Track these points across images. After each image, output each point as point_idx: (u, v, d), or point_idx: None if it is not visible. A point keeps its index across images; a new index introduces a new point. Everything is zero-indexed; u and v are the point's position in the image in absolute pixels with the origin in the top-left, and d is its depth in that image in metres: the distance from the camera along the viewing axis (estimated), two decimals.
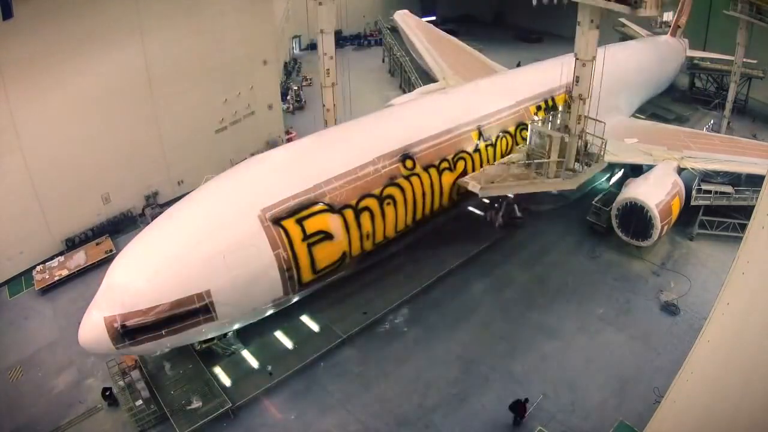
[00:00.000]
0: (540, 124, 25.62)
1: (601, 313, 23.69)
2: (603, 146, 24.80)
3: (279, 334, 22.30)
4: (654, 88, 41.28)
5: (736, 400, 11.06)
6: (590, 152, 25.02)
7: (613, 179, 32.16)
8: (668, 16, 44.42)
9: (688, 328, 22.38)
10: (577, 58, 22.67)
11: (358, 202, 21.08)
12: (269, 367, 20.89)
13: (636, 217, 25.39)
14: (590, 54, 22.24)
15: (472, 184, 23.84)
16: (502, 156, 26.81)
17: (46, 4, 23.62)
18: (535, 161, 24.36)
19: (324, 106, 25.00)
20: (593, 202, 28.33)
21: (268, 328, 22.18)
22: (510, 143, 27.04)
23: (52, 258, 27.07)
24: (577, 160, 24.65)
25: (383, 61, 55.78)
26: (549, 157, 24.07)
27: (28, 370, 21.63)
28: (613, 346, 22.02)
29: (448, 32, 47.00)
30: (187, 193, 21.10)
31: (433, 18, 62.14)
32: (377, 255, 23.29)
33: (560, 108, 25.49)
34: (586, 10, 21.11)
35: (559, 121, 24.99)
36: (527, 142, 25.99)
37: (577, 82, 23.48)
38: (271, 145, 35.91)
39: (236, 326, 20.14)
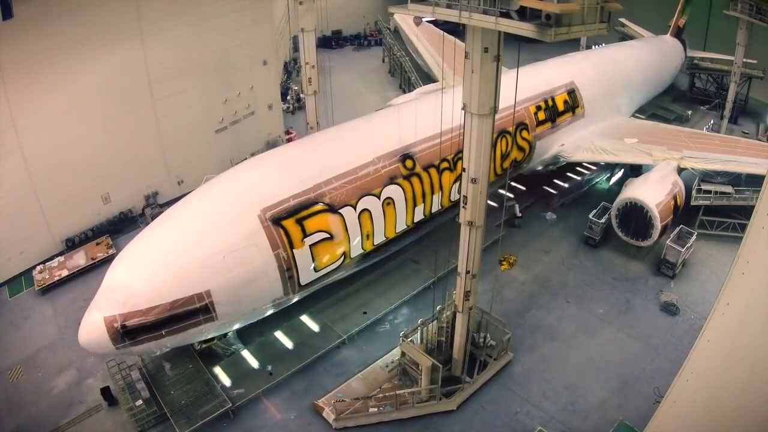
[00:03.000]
0: (419, 329, 20.14)
1: (602, 313, 23.69)
2: (504, 342, 20.43)
3: (279, 334, 22.28)
4: (654, 88, 41.27)
5: (736, 400, 11.05)
6: (487, 345, 20.35)
7: (613, 179, 32.18)
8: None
9: (688, 328, 22.40)
10: (465, 112, 15.66)
11: (358, 202, 21.06)
12: (269, 367, 20.87)
13: (636, 217, 25.38)
14: (487, 104, 14.91)
15: (326, 412, 19.03)
16: (502, 156, 26.75)
17: (46, 5, 23.61)
18: (399, 392, 19.16)
19: (308, 124, 25.00)
20: (590, 216, 27.70)
21: (268, 328, 22.18)
22: (510, 143, 27.00)
23: (52, 258, 27.06)
24: (475, 346, 20.17)
25: (383, 61, 55.76)
26: (420, 383, 19.18)
27: (28, 370, 21.62)
28: (613, 346, 22.02)
29: (448, 32, 46.90)
30: (187, 193, 21.09)
31: (433, 18, 62.10)
32: (377, 255, 23.27)
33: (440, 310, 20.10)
34: (477, 35, 14.05)
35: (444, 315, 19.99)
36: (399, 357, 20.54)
37: (465, 203, 16.43)
38: (271, 145, 35.91)
39: (236, 326, 20.12)
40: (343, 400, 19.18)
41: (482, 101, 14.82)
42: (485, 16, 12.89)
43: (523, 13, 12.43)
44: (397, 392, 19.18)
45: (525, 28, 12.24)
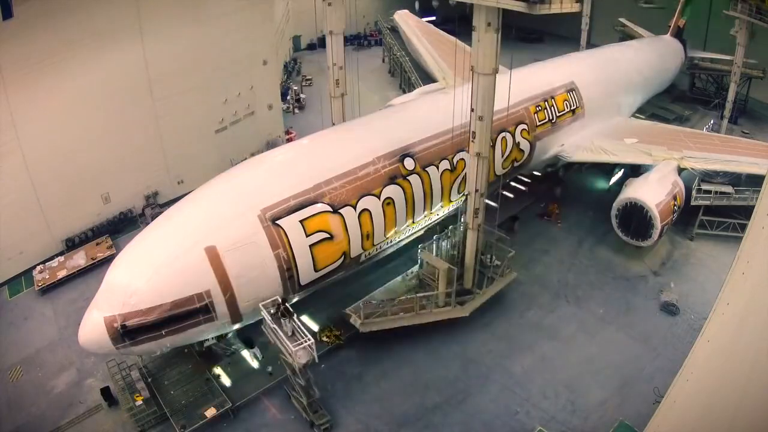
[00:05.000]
0: (435, 243, 22.96)
1: (602, 313, 23.70)
2: (508, 259, 22.93)
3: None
4: (654, 88, 41.27)
5: (736, 400, 11.04)
6: (493, 264, 22.89)
7: (613, 179, 32.18)
8: None
9: (688, 328, 22.40)
10: (473, 72, 18.85)
11: (357, 202, 21.06)
12: (269, 368, 20.87)
13: (636, 218, 25.39)
14: (491, 66, 18.46)
15: (353, 317, 21.40)
16: (502, 156, 26.76)
17: (46, 5, 23.61)
18: (418, 295, 21.71)
19: (333, 123, 24.75)
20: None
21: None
22: (510, 143, 26.99)
23: (52, 258, 27.08)
24: (485, 267, 22.72)
25: (383, 61, 55.76)
26: (437, 288, 21.79)
27: (28, 370, 21.64)
28: (613, 346, 22.02)
29: (448, 32, 46.89)
30: (187, 193, 21.09)
31: (433, 18, 62.09)
32: (377, 255, 23.26)
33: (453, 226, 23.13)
34: (482, 11, 17.66)
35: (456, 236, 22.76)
36: (418, 267, 23.80)
37: (474, 137, 19.68)
38: (271, 145, 35.90)
39: (236, 326, 20.12)
40: (370, 302, 21.73)
41: (486, 63, 18.38)
42: None
43: None
44: (417, 295, 21.49)
45: (519, 5, 16.17)
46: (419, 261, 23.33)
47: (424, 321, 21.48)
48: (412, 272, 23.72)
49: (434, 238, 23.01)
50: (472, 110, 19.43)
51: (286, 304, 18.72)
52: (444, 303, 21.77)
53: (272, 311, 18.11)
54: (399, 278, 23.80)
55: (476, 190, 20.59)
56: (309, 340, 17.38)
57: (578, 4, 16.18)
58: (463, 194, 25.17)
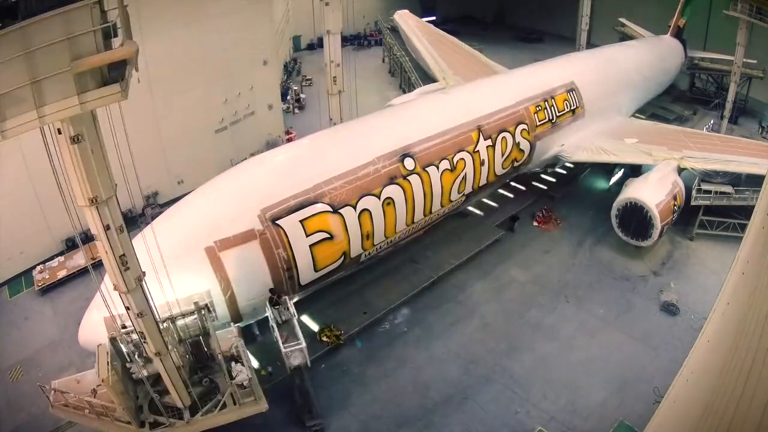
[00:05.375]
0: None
1: (601, 313, 23.70)
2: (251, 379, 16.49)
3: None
4: (654, 88, 41.29)
5: (736, 400, 11.04)
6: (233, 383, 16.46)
7: (614, 179, 32.20)
8: None
9: (688, 328, 22.39)
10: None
11: (357, 202, 21.07)
12: (269, 368, 20.84)
13: (636, 218, 25.39)
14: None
15: None
16: (502, 156, 26.75)
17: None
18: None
19: (331, 119, 24.87)
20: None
21: (268, 328, 22.15)
22: (510, 143, 27.01)
23: (52, 258, 27.07)
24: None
25: (383, 61, 55.78)
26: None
27: (28, 370, 21.63)
28: (613, 346, 22.02)
29: (448, 32, 46.95)
30: (187, 193, 21.09)
31: (433, 18, 62.17)
32: (377, 255, 23.28)
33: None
34: None
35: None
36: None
37: None
38: (271, 145, 35.91)
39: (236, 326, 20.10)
40: None
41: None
42: None
43: None
44: None
45: None
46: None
47: None
48: None
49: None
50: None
51: (280, 295, 18.64)
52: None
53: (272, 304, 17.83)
54: None
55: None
56: (301, 343, 17.27)
57: None
58: (463, 194, 25.27)
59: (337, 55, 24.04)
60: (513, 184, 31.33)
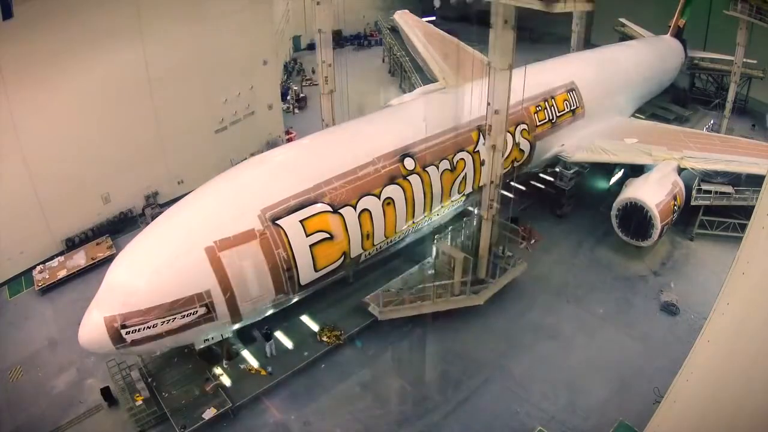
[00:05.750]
0: (449, 236, 24.15)
1: (602, 313, 23.70)
2: (519, 251, 24.03)
3: (279, 334, 22.27)
4: (654, 88, 41.27)
5: (736, 400, 11.04)
6: (505, 256, 23.94)
7: (614, 179, 32.18)
8: None
9: (688, 328, 22.39)
10: (490, 67, 19.58)
11: (357, 202, 21.06)
12: (269, 368, 20.87)
13: (636, 218, 25.39)
14: (507, 62, 19.31)
15: (372, 306, 22.19)
16: (502, 156, 26.68)
17: (46, 5, 23.59)
18: (435, 284, 22.09)
19: (323, 120, 25.16)
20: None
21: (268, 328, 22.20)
22: (510, 143, 26.99)
23: (52, 258, 27.08)
24: (498, 258, 23.54)
25: (383, 61, 55.75)
26: (453, 277, 22.32)
27: (28, 370, 21.63)
28: (613, 346, 22.03)
29: (448, 32, 46.91)
30: (187, 192, 21.09)
31: (433, 18, 62.14)
32: (378, 255, 23.27)
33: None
34: (500, 8, 18.53)
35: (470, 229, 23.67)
36: (433, 257, 24.25)
37: (490, 130, 20.64)
38: (271, 145, 35.90)
39: (236, 326, 20.12)
40: (388, 290, 22.53)
41: (503, 60, 19.25)
42: None
43: None
44: (435, 284, 21.90)
45: (536, 4, 16.18)
46: (434, 251, 23.86)
47: (441, 309, 22.15)
48: (428, 262, 24.27)
49: (449, 228, 24.08)
50: (488, 104, 20.44)
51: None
52: (459, 292, 22.36)
53: None
54: (416, 268, 24.29)
55: (492, 182, 21.48)
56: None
57: (590, 3, 16.58)
58: (463, 194, 25.25)
59: (329, 54, 24.29)
60: (513, 184, 31.22)
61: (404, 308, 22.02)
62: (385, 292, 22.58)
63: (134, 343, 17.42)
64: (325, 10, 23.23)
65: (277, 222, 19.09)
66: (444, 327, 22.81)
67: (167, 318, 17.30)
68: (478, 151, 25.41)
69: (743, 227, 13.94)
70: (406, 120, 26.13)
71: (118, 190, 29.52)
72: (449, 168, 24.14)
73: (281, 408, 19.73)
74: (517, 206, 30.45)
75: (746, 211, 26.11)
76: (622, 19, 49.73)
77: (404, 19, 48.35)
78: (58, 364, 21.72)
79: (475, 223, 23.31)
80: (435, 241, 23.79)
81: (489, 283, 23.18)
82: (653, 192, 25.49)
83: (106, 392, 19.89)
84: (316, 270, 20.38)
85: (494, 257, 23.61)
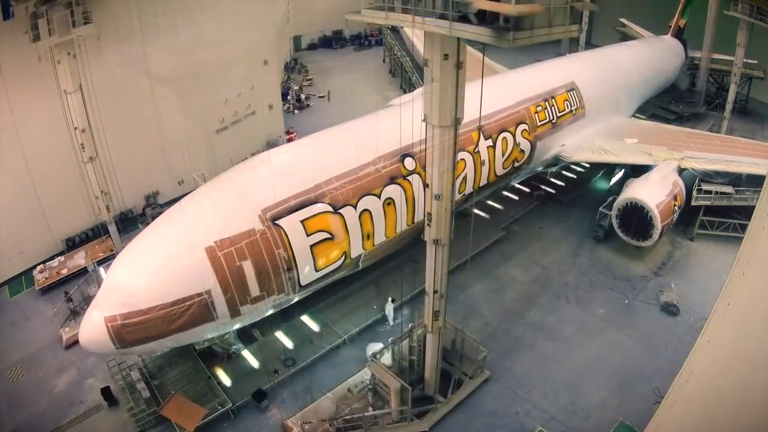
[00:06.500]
0: (389, 348, 19.79)
1: (602, 314, 23.69)
2: (481, 360, 19.95)
3: (279, 334, 22.28)
4: (654, 88, 41.27)
5: (736, 400, 11.04)
6: (466, 356, 19.94)
7: (614, 179, 32.19)
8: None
9: (688, 328, 22.39)
10: (426, 123, 15.18)
11: (358, 202, 21.06)
12: (277, 370, 20.81)
13: (636, 218, 25.39)
14: (449, 117, 14.25)
15: None
16: (503, 156, 26.73)
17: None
18: (366, 414, 18.44)
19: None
20: (600, 209, 28.05)
21: (268, 328, 22.19)
22: (510, 143, 26.99)
23: (52, 258, 27.08)
24: (449, 363, 19.90)
25: (384, 61, 55.79)
26: (391, 404, 18.56)
27: (29, 370, 21.64)
28: (614, 346, 22.01)
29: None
30: (188, 193, 21.09)
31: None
32: (378, 255, 23.26)
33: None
34: (436, 40, 13.12)
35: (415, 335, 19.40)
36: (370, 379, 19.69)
37: (429, 221, 15.87)
38: (272, 145, 35.92)
39: (236, 326, 20.12)
40: (310, 422, 18.29)
41: (444, 112, 14.07)
42: (440, 21, 11.81)
43: (483, 17, 11.20)
44: (365, 414, 18.37)
45: (482, 33, 11.14)
46: (370, 374, 19.50)
47: None
48: (363, 383, 20.03)
49: (389, 341, 20.55)
50: (426, 186, 15.94)
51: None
52: (399, 419, 18.67)
53: None
54: (350, 383, 20.21)
55: (435, 291, 16.97)
56: None
57: (576, 26, 11.82)
58: (464, 194, 25.21)
59: (82, 118, 21.68)
60: (514, 184, 31.30)
61: None
62: (305, 415, 18.76)
63: (134, 343, 17.43)
64: (63, 62, 20.98)
65: (277, 222, 19.09)
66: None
67: (167, 318, 17.30)
68: (478, 151, 25.41)
69: (743, 227, 13.94)
70: (407, 120, 26.09)
71: (119, 190, 29.47)
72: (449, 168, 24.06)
73: (281, 408, 19.69)
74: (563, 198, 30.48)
75: (746, 212, 26.12)
76: (622, 19, 49.75)
77: None
78: (58, 364, 21.74)
79: (419, 334, 19.22)
80: (370, 360, 19.80)
81: (437, 403, 19.19)
82: (654, 192, 25.49)
83: (106, 392, 19.90)
84: (316, 270, 20.37)
85: (447, 363, 20.05)
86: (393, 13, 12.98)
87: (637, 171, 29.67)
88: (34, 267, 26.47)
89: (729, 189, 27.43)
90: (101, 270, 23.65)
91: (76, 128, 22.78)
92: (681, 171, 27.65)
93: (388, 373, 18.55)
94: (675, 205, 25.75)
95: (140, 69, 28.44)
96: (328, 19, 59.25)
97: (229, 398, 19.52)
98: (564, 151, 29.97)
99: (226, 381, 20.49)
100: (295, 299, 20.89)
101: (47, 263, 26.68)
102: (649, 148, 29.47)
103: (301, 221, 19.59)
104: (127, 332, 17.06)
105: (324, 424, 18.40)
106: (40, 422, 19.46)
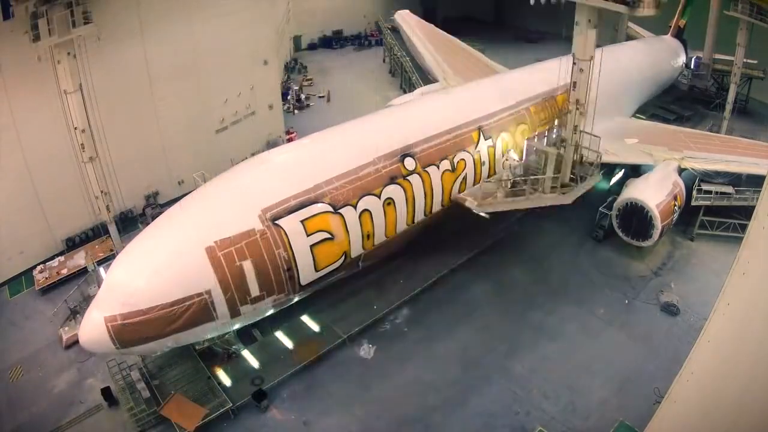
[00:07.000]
0: (536, 140, 25.71)
1: (602, 314, 23.69)
2: (598, 160, 24.92)
3: (279, 334, 22.29)
4: (655, 88, 41.26)
5: (736, 400, 11.04)
6: (585, 165, 25.06)
7: (614, 179, 32.16)
8: None
9: (688, 328, 22.38)
10: (574, 61, 22.84)
11: (358, 202, 21.06)
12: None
13: (636, 218, 25.39)
14: (588, 54, 22.47)
15: (469, 200, 23.85)
16: (502, 156, 26.75)
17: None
18: (530, 177, 23.96)
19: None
20: (600, 209, 28.06)
21: (268, 328, 22.20)
22: (510, 143, 27.00)
23: (52, 258, 27.07)
24: (572, 175, 24.51)
25: (384, 61, 55.77)
26: (544, 173, 23.89)
27: (29, 370, 21.64)
28: (614, 347, 22.02)
29: (448, 32, 46.94)
30: (188, 193, 21.09)
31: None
32: (378, 255, 23.27)
33: (556, 120, 25.51)
34: (584, 9, 21.27)
35: (554, 135, 25.09)
36: (523, 158, 26.05)
37: (574, 87, 23.46)
38: (272, 145, 35.92)
39: (236, 326, 20.13)
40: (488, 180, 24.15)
41: (586, 53, 22.87)
42: None
43: None
44: (530, 177, 23.80)
45: (619, 7, 20.60)
46: (525, 150, 25.88)
47: (534, 205, 23.82)
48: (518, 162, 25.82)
49: (536, 133, 26.88)
50: (580, 69, 23.49)
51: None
52: (550, 190, 23.62)
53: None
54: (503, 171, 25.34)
55: (577, 108, 23.75)
56: None
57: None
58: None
59: (82, 118, 22.05)
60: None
61: (500, 203, 23.53)
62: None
63: (134, 342, 17.44)
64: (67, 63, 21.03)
65: (277, 222, 19.10)
66: (445, 328, 22.83)
67: (167, 318, 17.30)
68: (479, 151, 25.43)
69: (743, 227, 13.93)
70: (407, 120, 26.15)
71: (119, 190, 29.47)
72: (450, 168, 24.14)
73: (281, 408, 19.72)
74: None
75: (746, 212, 26.07)
76: None
77: (405, 19, 48.38)
78: (58, 364, 21.74)
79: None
80: (526, 141, 25.68)
81: (573, 185, 24.18)
82: (654, 192, 25.49)
83: (106, 392, 19.90)
84: (316, 270, 20.39)
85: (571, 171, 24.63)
86: None
87: (637, 171, 29.70)
88: (34, 267, 26.45)
89: (729, 189, 27.43)
90: (101, 270, 23.62)
91: (76, 128, 22.66)
92: (681, 171, 27.66)
93: (545, 145, 24.44)
94: (675, 205, 25.75)
95: (140, 69, 28.41)
96: (328, 19, 59.55)
97: (229, 398, 19.51)
98: None
99: (226, 381, 20.49)
100: (295, 299, 20.91)
101: (47, 263, 26.66)
102: (649, 148, 29.48)
103: (301, 221, 19.61)
104: (127, 332, 17.07)
105: (499, 183, 24.03)
106: (40, 422, 19.46)
